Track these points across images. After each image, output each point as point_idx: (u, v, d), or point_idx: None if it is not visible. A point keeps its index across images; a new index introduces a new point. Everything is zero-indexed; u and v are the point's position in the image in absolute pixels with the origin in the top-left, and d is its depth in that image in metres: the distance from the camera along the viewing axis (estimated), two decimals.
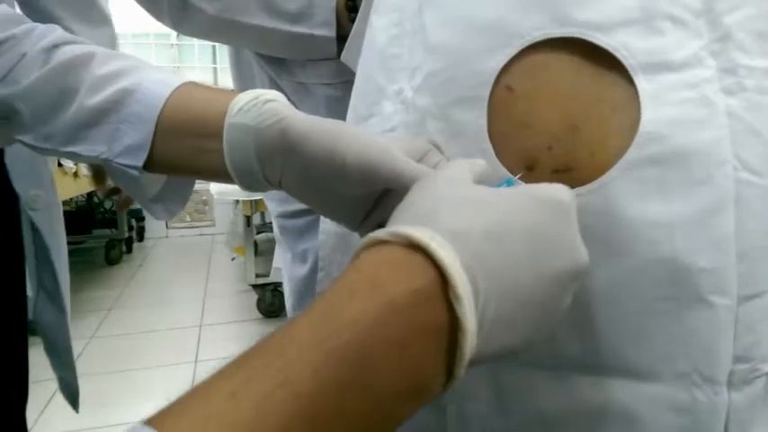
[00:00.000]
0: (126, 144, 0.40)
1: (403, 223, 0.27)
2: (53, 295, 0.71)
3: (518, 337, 0.28)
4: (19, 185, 0.64)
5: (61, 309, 0.72)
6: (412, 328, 0.24)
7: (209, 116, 0.38)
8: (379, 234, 0.26)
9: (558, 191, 0.29)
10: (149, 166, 0.41)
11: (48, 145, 0.42)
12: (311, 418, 0.21)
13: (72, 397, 0.77)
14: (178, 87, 0.40)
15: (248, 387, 0.21)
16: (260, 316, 2.48)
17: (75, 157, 0.42)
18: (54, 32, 0.43)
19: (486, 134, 0.34)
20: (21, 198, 0.65)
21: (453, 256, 0.25)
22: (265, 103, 0.37)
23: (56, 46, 0.42)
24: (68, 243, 0.77)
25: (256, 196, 2.22)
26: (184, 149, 0.40)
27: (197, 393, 0.22)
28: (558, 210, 0.29)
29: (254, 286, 2.47)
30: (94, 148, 0.41)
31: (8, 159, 0.63)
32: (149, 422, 0.21)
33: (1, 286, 0.67)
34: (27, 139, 0.43)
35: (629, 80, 0.32)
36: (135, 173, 0.41)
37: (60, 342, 0.73)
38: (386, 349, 0.23)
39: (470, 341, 0.25)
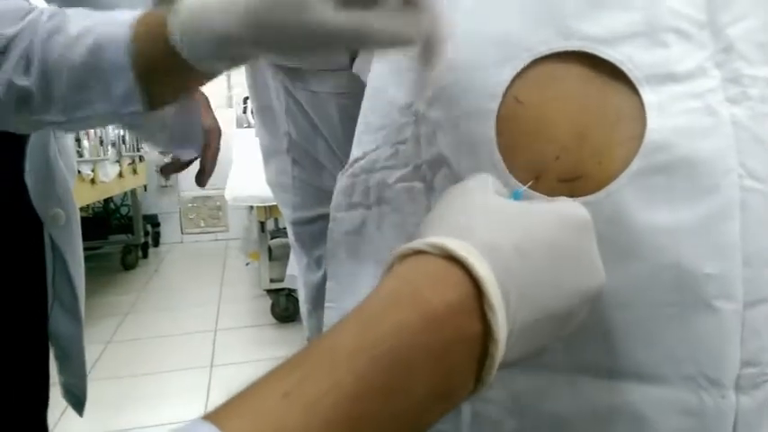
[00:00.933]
0: (118, 92, 0.43)
1: (438, 234, 0.28)
2: (70, 307, 0.72)
3: (535, 346, 0.29)
4: (39, 204, 0.65)
5: (77, 320, 0.73)
6: (449, 338, 0.26)
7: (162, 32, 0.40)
8: (418, 245, 0.28)
9: (579, 209, 0.31)
10: (153, 104, 0.44)
11: (63, 117, 0.45)
12: (356, 420, 0.23)
13: (78, 402, 0.78)
14: (134, 24, 0.42)
15: (300, 388, 0.23)
16: (274, 321, 2.49)
17: (93, 122, 0.46)
18: (44, 23, 0.45)
19: (496, 146, 0.34)
20: (40, 216, 0.66)
21: (489, 271, 0.26)
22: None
23: (50, 35, 0.44)
24: (85, 248, 0.79)
25: (271, 202, 2.24)
26: (169, 83, 0.43)
27: (253, 392, 0.24)
28: (580, 228, 0.30)
29: (269, 291, 2.49)
30: (100, 105, 0.44)
31: (28, 179, 0.64)
32: (207, 418, 0.22)
33: (24, 297, 0.68)
34: (48, 117, 0.46)
35: (635, 90, 0.33)
36: (141, 119, 0.44)
37: (75, 352, 0.74)
38: (425, 357, 0.25)
39: (501, 350, 0.26)
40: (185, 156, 0.51)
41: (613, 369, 0.33)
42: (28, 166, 0.64)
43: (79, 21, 0.44)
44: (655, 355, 0.32)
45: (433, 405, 0.26)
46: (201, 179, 0.79)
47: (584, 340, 0.33)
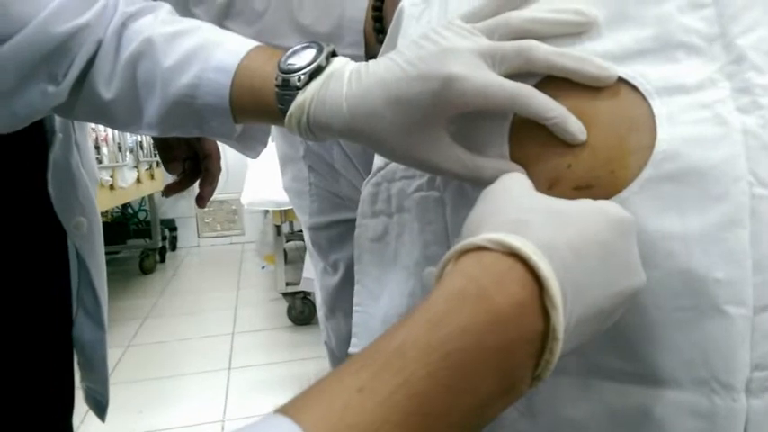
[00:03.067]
0: (213, 127, 0.46)
1: (495, 230, 0.29)
2: (93, 314, 0.73)
3: (579, 342, 0.30)
4: (62, 214, 0.66)
5: (101, 326, 0.74)
6: (513, 337, 0.26)
7: (268, 102, 0.42)
8: (480, 241, 0.28)
9: (623, 210, 0.31)
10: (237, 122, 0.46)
11: (153, 131, 0.48)
12: (426, 415, 0.24)
13: (100, 407, 0.79)
14: (236, 72, 0.43)
15: (373, 384, 0.24)
16: (290, 324, 2.51)
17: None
18: (118, 6, 0.47)
19: (509, 156, 0.35)
20: (64, 225, 0.67)
21: (551, 269, 0.27)
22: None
23: (123, 25, 0.46)
24: (104, 253, 0.80)
25: (286, 206, 2.25)
26: (258, 120, 0.46)
27: (325, 387, 0.24)
28: (626, 229, 0.31)
29: (285, 294, 2.51)
30: (190, 131, 0.47)
31: (51, 189, 0.65)
32: (281, 411, 0.23)
33: (50, 305, 0.70)
34: (125, 128, 0.50)
35: (646, 101, 0.33)
36: (230, 141, 0.49)
37: (98, 358, 0.75)
38: (491, 356, 0.26)
39: (560, 348, 0.27)
40: (251, 154, 0.53)
41: (627, 372, 0.33)
42: (51, 176, 0.65)
43: (173, 47, 0.45)
44: (667, 359, 0.32)
45: (496, 401, 0.26)
46: (201, 202, 0.81)
47: (598, 344, 0.34)
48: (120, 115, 0.48)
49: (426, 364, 0.24)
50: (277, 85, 0.41)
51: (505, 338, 0.26)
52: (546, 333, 0.27)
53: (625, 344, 0.33)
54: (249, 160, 2.67)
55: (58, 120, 0.65)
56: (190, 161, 0.82)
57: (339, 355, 0.85)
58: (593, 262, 0.29)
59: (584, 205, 0.31)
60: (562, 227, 0.29)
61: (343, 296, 0.82)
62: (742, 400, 0.32)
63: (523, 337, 0.27)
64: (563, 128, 0.34)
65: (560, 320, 0.27)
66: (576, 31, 0.35)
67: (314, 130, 0.40)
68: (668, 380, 0.32)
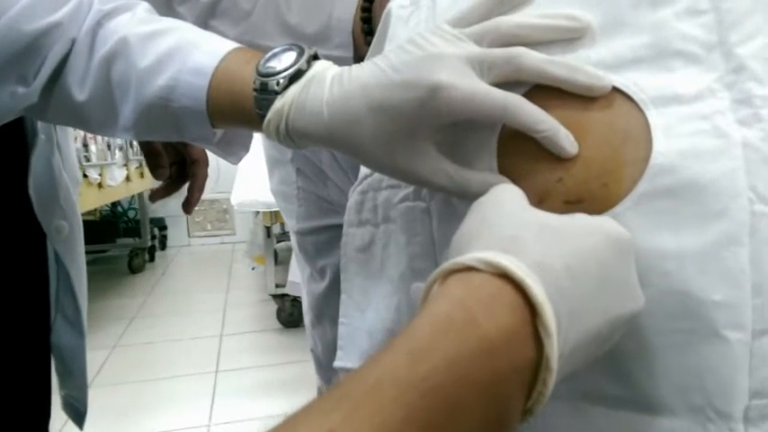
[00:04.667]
0: (191, 131, 0.44)
1: (485, 248, 0.27)
2: (72, 320, 0.72)
3: (572, 370, 0.28)
4: (42, 217, 0.65)
5: (80, 333, 0.73)
6: (503, 368, 0.24)
7: (246, 107, 0.40)
8: (468, 260, 0.26)
9: (621, 228, 0.30)
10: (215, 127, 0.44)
11: (128, 135, 0.46)
12: None
13: (78, 415, 0.77)
14: (214, 74, 0.42)
15: (347, 426, 0.21)
16: (279, 326, 2.49)
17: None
18: (93, 5, 0.45)
19: (497, 169, 0.34)
20: (44, 229, 0.66)
21: (543, 293, 0.25)
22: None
23: (98, 23, 0.44)
24: (92, 252, 0.79)
25: (276, 208, 2.23)
26: (237, 125, 0.44)
27: (296, 426, 0.22)
28: (624, 248, 0.29)
29: (274, 296, 2.49)
30: (167, 135, 0.45)
31: (32, 192, 0.63)
32: None
33: (27, 309, 0.68)
34: (98, 130, 0.48)
35: (642, 111, 0.32)
36: (210, 146, 0.46)
37: (77, 365, 0.74)
38: (478, 390, 0.23)
39: (554, 379, 0.25)
40: (232, 160, 0.51)
41: (619, 398, 0.32)
42: (32, 179, 0.63)
43: (149, 47, 0.43)
44: (661, 384, 0.31)
45: None
46: (188, 208, 0.80)
47: (589, 367, 0.32)
48: (95, 117, 0.46)
49: (405, 405, 0.22)
50: (255, 89, 0.39)
51: (494, 369, 0.24)
52: (538, 362, 0.25)
53: (617, 368, 0.32)
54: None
55: (40, 121, 0.63)
56: (176, 166, 0.80)
57: (325, 363, 0.83)
58: (590, 284, 0.27)
59: (581, 221, 0.29)
60: (557, 245, 0.27)
61: (329, 303, 0.80)
62: (740, 429, 0.30)
63: (514, 368, 0.24)
64: (553, 141, 0.32)
65: (554, 349, 0.25)
66: (569, 36, 0.34)
67: (293, 136, 0.38)
68: (662, 406, 0.31)
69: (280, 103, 0.38)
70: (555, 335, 0.25)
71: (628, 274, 0.29)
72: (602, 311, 0.27)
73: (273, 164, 0.85)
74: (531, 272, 0.25)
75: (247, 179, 2.34)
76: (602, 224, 0.29)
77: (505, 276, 0.25)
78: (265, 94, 0.38)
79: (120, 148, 2.80)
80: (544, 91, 0.34)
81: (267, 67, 0.39)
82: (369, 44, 0.56)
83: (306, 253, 0.83)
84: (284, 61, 0.39)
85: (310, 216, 0.81)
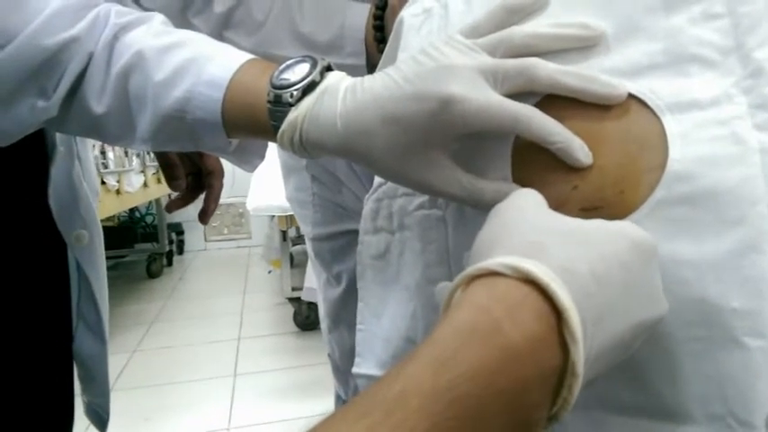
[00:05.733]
0: (206, 142, 0.45)
1: (507, 253, 0.26)
2: (94, 327, 0.73)
3: (591, 377, 0.27)
4: (63, 226, 0.65)
5: (102, 340, 0.74)
6: (529, 376, 0.24)
7: (261, 119, 0.41)
8: (491, 265, 0.26)
9: (645, 233, 0.29)
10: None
11: (146, 146, 0.47)
12: None
13: (101, 421, 0.78)
14: (228, 87, 0.42)
15: None
16: (296, 329, 2.50)
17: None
18: (109, 18, 0.46)
19: (511, 178, 0.34)
20: (65, 238, 0.67)
21: (570, 298, 0.25)
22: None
23: (115, 37, 0.45)
24: (111, 257, 0.80)
25: (291, 212, 2.24)
26: (251, 136, 0.44)
27: None
28: (648, 252, 0.29)
29: (291, 299, 2.50)
30: (184, 146, 0.46)
31: (52, 202, 0.64)
32: None
33: (49, 318, 0.69)
34: (117, 142, 0.49)
35: (659, 118, 0.32)
36: (226, 155, 0.47)
37: (99, 371, 0.75)
38: (503, 398, 0.23)
39: (579, 385, 0.25)
40: (247, 168, 0.52)
41: (637, 406, 0.32)
42: (52, 189, 0.64)
43: (164, 60, 0.44)
44: (680, 392, 0.31)
45: None
46: (204, 218, 0.80)
47: (607, 375, 0.32)
48: (112, 130, 0.46)
49: (430, 415, 0.22)
50: (269, 101, 0.39)
51: (520, 378, 0.23)
52: (563, 368, 0.25)
53: (635, 375, 0.31)
54: None
55: (59, 133, 0.64)
56: (192, 177, 0.81)
57: (342, 368, 0.83)
58: (615, 289, 0.27)
59: (603, 225, 0.29)
60: (581, 250, 0.27)
61: (346, 308, 0.80)
62: None
63: (540, 375, 0.24)
64: (567, 153, 0.32)
65: (580, 355, 0.24)
66: (583, 45, 0.34)
67: (307, 147, 0.39)
68: (681, 415, 0.31)
69: (293, 114, 0.38)
70: (581, 341, 0.24)
71: (652, 280, 0.29)
72: (627, 317, 0.27)
73: (288, 171, 0.85)
74: (557, 277, 0.25)
75: (263, 183, 2.36)
76: (626, 229, 0.29)
77: (531, 282, 0.25)
78: (279, 106, 0.39)
79: (138, 155, 2.83)
80: (559, 99, 0.34)
81: (281, 79, 0.39)
82: (381, 52, 0.57)
83: (322, 259, 0.83)
84: (298, 73, 0.39)
85: (326, 222, 0.81)
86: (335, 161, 0.76)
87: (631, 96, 0.32)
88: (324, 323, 0.87)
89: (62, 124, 0.48)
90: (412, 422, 0.21)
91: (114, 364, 0.81)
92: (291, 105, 0.38)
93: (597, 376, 0.28)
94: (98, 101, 0.45)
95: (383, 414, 0.22)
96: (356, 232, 0.48)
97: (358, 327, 0.48)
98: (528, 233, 0.28)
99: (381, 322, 0.46)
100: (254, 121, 0.41)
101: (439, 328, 0.25)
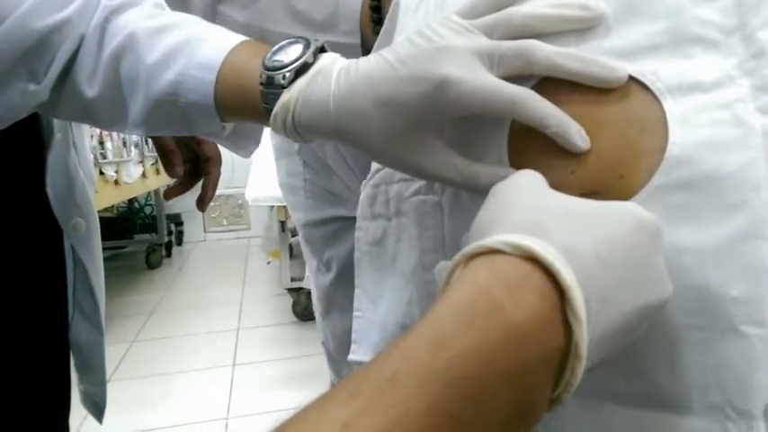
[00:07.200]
0: (200, 125, 0.44)
1: (510, 231, 0.25)
2: (90, 316, 0.72)
3: (594, 361, 0.27)
4: (60, 215, 0.65)
5: (98, 329, 0.73)
6: (530, 357, 0.23)
7: (253, 101, 0.40)
8: (492, 243, 0.25)
9: (650, 214, 0.28)
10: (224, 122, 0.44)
11: (139, 130, 0.46)
12: None
13: (98, 409, 0.78)
14: (221, 69, 0.41)
15: (362, 419, 0.20)
16: (295, 319, 2.50)
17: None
18: (101, 1, 0.45)
19: (508, 162, 0.33)
20: (61, 226, 0.66)
21: (574, 277, 0.24)
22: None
23: (106, 19, 0.44)
24: (110, 248, 0.80)
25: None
26: (245, 119, 0.44)
27: (308, 420, 0.21)
28: (653, 233, 0.28)
29: (290, 290, 2.50)
30: (177, 130, 0.45)
31: (49, 190, 0.64)
32: None
33: (45, 306, 0.69)
34: (109, 126, 0.48)
35: (658, 100, 0.31)
36: (220, 140, 0.46)
37: (95, 360, 0.74)
38: (504, 380, 0.22)
39: (583, 367, 0.24)
40: (243, 153, 0.52)
41: (634, 395, 0.31)
42: (49, 177, 0.64)
43: (156, 42, 0.43)
44: (678, 381, 0.30)
45: (508, 428, 0.23)
46: (202, 205, 0.80)
47: (603, 364, 0.31)
48: (104, 113, 0.46)
49: (427, 395, 0.21)
50: (261, 83, 0.38)
51: (522, 359, 0.23)
52: (566, 349, 0.24)
53: (632, 364, 0.31)
54: (254, 155, 2.66)
55: (56, 120, 0.64)
56: (190, 164, 0.81)
57: (336, 356, 0.83)
58: (619, 269, 0.26)
59: (608, 205, 0.28)
60: (585, 229, 0.26)
61: (337, 294, 0.80)
62: (760, 428, 0.29)
63: (542, 356, 0.23)
64: (564, 137, 0.32)
65: (584, 336, 0.23)
66: (582, 26, 0.33)
67: (299, 130, 0.38)
68: (679, 404, 0.30)
69: (286, 96, 0.37)
70: (584, 322, 0.24)
71: (657, 261, 0.28)
72: (632, 299, 0.26)
73: (281, 155, 0.85)
74: (560, 256, 0.24)
75: (262, 174, 2.35)
76: (631, 209, 0.28)
77: (533, 260, 0.24)
78: (272, 88, 0.38)
79: (136, 145, 2.82)
80: (557, 81, 0.33)
81: (273, 61, 0.38)
82: (377, 33, 0.56)
83: (313, 245, 0.83)
84: (291, 54, 0.38)
85: (317, 207, 0.81)
86: (325, 147, 0.76)
87: (631, 79, 0.32)
88: (317, 310, 0.86)
89: (54, 108, 0.47)
90: (408, 402, 0.20)
91: (113, 354, 0.80)
92: (284, 87, 0.37)
93: (602, 361, 0.27)
94: (90, 84, 0.45)
95: (376, 394, 0.21)
96: (346, 219, 0.47)
97: (355, 313, 0.48)
98: (529, 211, 0.27)
99: (378, 308, 0.45)
100: (247, 103, 0.40)
101: (436, 308, 0.24)
